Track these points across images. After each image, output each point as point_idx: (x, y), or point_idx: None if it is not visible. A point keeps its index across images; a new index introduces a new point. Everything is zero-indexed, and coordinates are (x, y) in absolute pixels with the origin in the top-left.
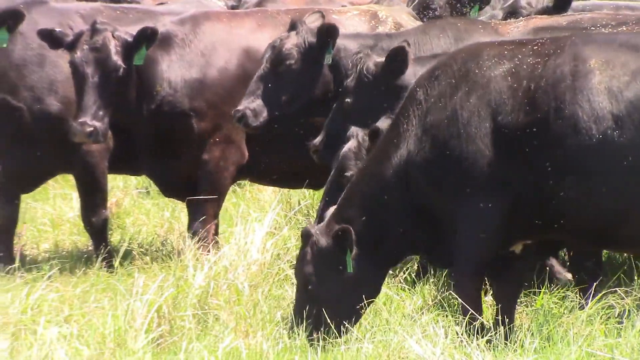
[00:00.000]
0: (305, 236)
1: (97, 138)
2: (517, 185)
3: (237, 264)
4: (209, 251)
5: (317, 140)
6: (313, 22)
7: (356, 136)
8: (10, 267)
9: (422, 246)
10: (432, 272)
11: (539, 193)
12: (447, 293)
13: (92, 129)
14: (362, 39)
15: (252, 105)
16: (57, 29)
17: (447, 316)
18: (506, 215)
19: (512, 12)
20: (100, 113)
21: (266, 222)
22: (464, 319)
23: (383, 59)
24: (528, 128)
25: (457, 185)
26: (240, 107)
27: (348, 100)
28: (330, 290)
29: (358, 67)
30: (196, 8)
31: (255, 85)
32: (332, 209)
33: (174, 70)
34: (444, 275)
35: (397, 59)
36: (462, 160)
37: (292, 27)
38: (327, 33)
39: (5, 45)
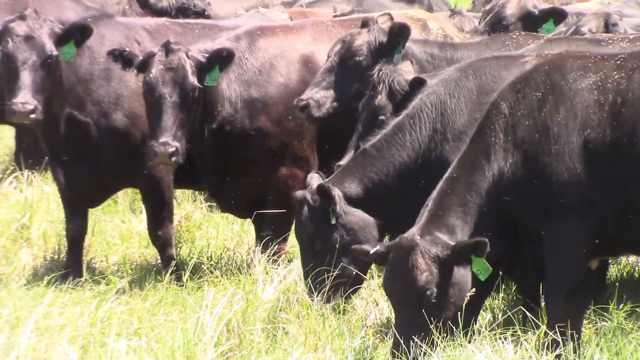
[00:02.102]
0: (408, 247)
1: (178, 158)
2: (604, 202)
3: None
4: (278, 265)
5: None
6: (383, 23)
7: (304, 200)
8: (79, 280)
9: (505, 260)
10: (501, 287)
11: (626, 210)
12: (517, 309)
13: (174, 149)
14: (429, 45)
15: (316, 96)
16: (127, 50)
17: (516, 332)
18: (593, 233)
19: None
20: (179, 133)
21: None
22: (547, 335)
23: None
24: (614, 143)
25: (547, 202)
26: (303, 97)
27: (382, 117)
28: (444, 298)
29: (387, 82)
30: (260, 22)
31: (321, 77)
32: None
33: (234, 90)
34: (512, 290)
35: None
36: (552, 177)
37: (364, 24)
38: (399, 33)
39: (72, 60)
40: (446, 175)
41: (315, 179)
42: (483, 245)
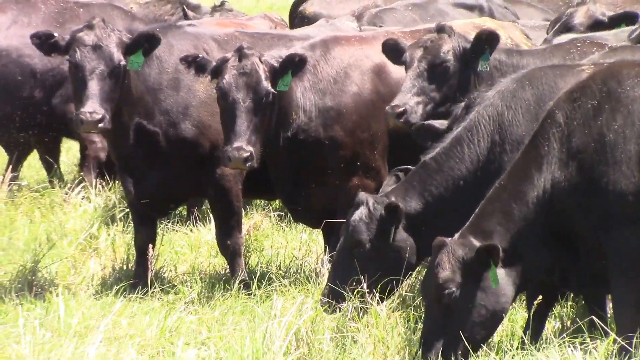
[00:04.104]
0: (438, 247)
1: (252, 163)
2: None
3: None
4: None
5: None
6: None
7: (366, 203)
8: (147, 289)
9: (558, 270)
10: (568, 295)
11: None
12: (587, 318)
13: (248, 154)
14: (497, 52)
15: (410, 102)
16: (200, 56)
17: (585, 340)
18: None
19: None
20: (254, 138)
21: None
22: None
23: None
24: None
25: (604, 212)
26: (398, 103)
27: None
28: (466, 300)
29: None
30: (330, 31)
31: (411, 83)
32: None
33: (308, 98)
34: (581, 298)
35: None
36: (609, 186)
37: (440, 30)
38: (487, 40)
39: (140, 69)
40: (496, 183)
41: (391, 183)
42: (495, 250)
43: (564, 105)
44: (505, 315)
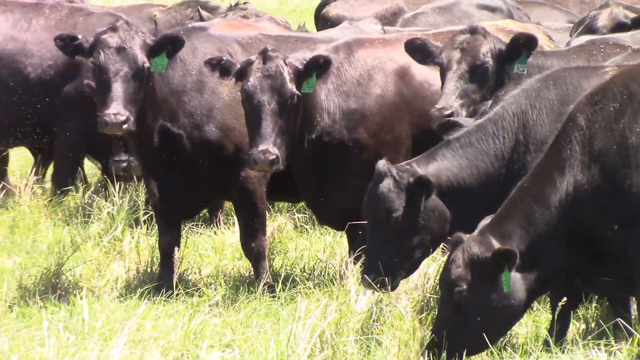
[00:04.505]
0: (455, 243)
1: (278, 166)
2: None
3: (400, 290)
4: None
5: None
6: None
7: (390, 174)
8: (171, 292)
9: (581, 273)
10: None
11: None
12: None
13: (274, 157)
14: None
15: (455, 104)
16: (225, 58)
17: (610, 342)
18: None
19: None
20: (279, 141)
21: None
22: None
23: None
24: None
25: (628, 215)
26: (444, 105)
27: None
28: (476, 300)
29: None
30: (353, 34)
31: (454, 85)
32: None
33: (332, 101)
34: (605, 301)
35: None
36: (632, 189)
37: (473, 31)
38: (525, 43)
39: (164, 71)
40: (518, 184)
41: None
42: (512, 255)
43: (586, 108)
44: (516, 320)
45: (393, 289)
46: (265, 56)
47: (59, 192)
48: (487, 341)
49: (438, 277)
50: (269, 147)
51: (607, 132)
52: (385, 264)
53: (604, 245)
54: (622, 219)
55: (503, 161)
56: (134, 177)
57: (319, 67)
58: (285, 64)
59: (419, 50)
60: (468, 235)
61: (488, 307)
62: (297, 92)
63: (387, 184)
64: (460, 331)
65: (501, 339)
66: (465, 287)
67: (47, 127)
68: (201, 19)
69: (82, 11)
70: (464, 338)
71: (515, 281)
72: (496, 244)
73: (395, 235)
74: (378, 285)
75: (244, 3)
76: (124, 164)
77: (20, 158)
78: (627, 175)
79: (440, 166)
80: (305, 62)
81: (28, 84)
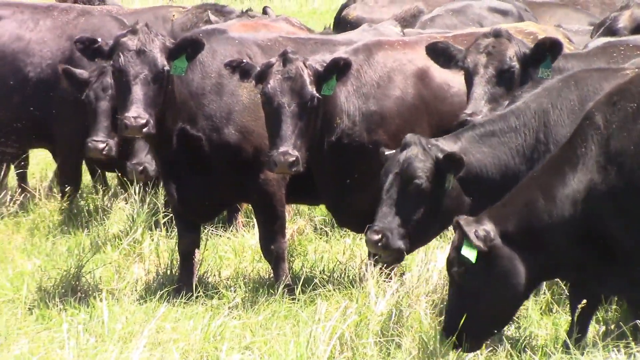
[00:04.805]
0: (455, 226)
1: (298, 168)
2: None
3: (419, 292)
4: (390, 278)
5: None
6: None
7: (419, 143)
8: (191, 294)
9: (592, 269)
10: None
11: None
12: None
13: (294, 158)
14: None
15: (484, 109)
16: (245, 61)
17: (629, 343)
18: None
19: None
20: (299, 143)
21: (447, 249)
22: None
23: None
24: None
25: None
26: (474, 110)
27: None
28: (474, 279)
29: None
30: (373, 36)
31: (482, 90)
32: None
33: (352, 103)
34: (625, 303)
35: None
36: None
37: (497, 34)
38: (550, 48)
39: (184, 74)
40: (529, 174)
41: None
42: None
43: (603, 108)
44: (519, 300)
45: (395, 253)
46: (285, 58)
47: (66, 191)
48: (493, 324)
49: None
50: (289, 149)
51: (624, 133)
52: (392, 227)
53: (616, 245)
54: (636, 220)
55: (524, 158)
56: (150, 179)
57: (339, 69)
58: (305, 67)
59: (441, 54)
60: (466, 217)
61: (486, 285)
62: (317, 94)
63: (415, 151)
64: (463, 314)
65: (519, 339)
66: (463, 268)
67: (47, 127)
68: (210, 22)
69: (88, 13)
70: (468, 321)
71: (513, 260)
72: (489, 225)
73: (410, 204)
74: (380, 246)
75: (248, 9)
76: (141, 167)
77: (40, 161)
78: None
79: (466, 148)
80: (325, 64)
81: (28, 83)
